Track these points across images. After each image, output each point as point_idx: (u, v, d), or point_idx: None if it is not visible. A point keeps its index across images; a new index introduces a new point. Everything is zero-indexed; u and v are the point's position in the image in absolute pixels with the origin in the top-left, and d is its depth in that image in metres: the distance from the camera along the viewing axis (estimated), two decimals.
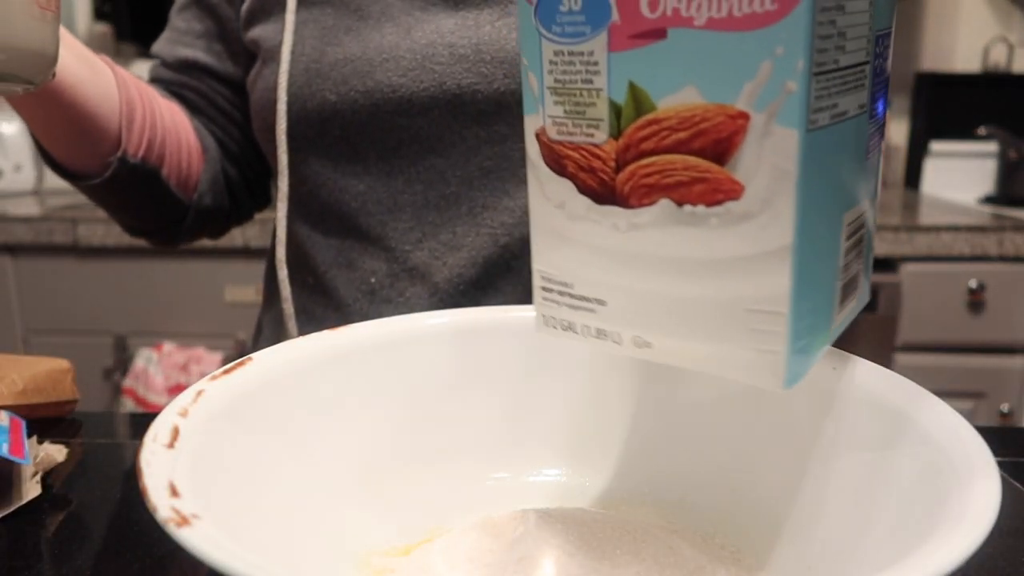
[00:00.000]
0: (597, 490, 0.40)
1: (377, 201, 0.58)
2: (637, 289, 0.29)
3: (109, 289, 1.58)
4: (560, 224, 0.30)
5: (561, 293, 0.31)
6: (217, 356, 1.56)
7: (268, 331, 0.66)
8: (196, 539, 0.23)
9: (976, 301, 1.43)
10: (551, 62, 0.27)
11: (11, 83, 0.37)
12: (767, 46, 0.24)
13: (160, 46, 0.68)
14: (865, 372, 0.34)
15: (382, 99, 0.56)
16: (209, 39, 0.66)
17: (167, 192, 0.62)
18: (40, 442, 0.48)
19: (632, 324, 0.30)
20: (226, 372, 0.34)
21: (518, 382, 0.41)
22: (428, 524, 0.37)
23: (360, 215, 0.58)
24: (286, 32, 0.58)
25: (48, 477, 0.46)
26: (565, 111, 0.28)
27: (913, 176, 1.97)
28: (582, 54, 0.27)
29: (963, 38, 1.96)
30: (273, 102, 0.59)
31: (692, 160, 0.26)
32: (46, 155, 0.59)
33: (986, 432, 0.30)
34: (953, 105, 1.90)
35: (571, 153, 0.28)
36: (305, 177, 0.60)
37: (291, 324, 0.61)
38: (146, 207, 0.63)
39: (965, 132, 1.89)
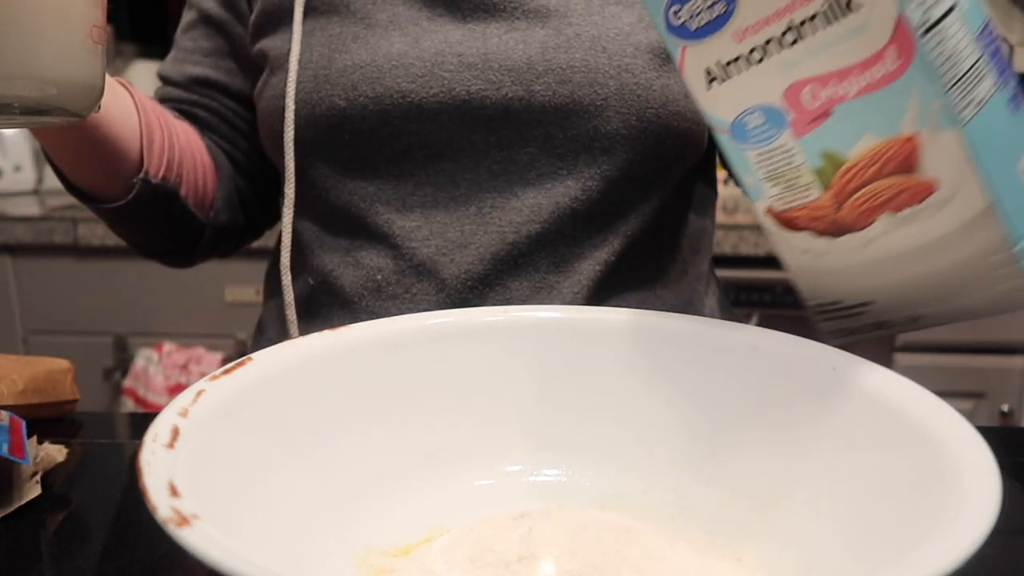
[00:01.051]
0: (597, 490, 0.40)
1: (386, 202, 0.58)
2: (891, 282, 0.37)
3: (109, 289, 1.58)
4: (812, 264, 0.38)
5: (835, 311, 0.40)
6: (217, 356, 1.56)
7: (271, 331, 0.66)
8: (196, 539, 0.23)
9: None
10: (756, 162, 0.36)
11: (57, 116, 0.36)
12: (907, 88, 0.31)
13: (166, 67, 0.68)
14: (865, 372, 0.34)
15: (391, 105, 0.56)
16: (218, 56, 0.67)
17: (186, 211, 0.63)
18: (40, 442, 0.48)
19: (900, 309, 0.38)
20: (226, 372, 0.34)
21: (518, 382, 0.41)
22: (428, 524, 0.37)
23: (368, 215, 0.58)
24: (293, 41, 0.58)
25: (48, 477, 0.46)
26: (781, 189, 0.36)
27: None
28: (778, 148, 0.35)
29: None
30: (281, 109, 0.59)
31: (890, 180, 0.33)
32: (67, 182, 0.59)
33: (986, 432, 0.30)
34: None
35: (798, 213, 0.36)
36: (313, 182, 0.60)
37: (293, 329, 0.61)
38: (165, 228, 0.64)
39: None
